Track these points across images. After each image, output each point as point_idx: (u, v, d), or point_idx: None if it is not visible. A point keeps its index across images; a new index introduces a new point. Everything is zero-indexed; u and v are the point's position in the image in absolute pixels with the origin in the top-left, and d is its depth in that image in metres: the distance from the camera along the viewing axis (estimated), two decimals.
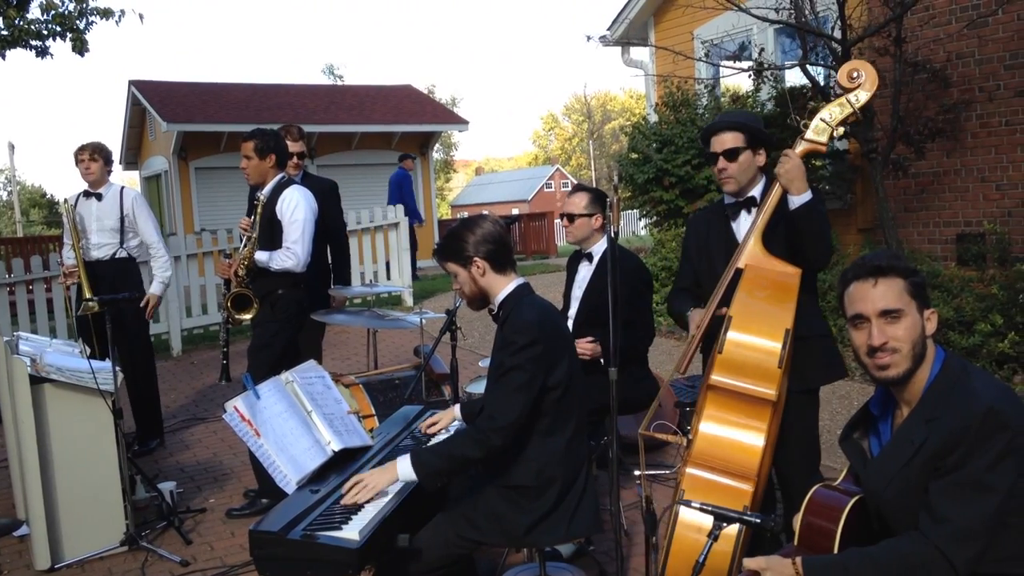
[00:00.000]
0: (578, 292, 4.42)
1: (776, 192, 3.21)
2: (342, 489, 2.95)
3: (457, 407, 3.45)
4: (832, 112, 3.21)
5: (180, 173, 18.98)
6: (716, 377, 3.02)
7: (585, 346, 4.07)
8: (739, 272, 3.18)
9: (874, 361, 2.25)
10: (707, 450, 3.02)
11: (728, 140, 3.40)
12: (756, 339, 2.99)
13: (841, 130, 3.24)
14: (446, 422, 3.46)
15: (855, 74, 3.19)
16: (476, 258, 3.06)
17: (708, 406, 3.06)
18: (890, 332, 2.22)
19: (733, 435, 3.01)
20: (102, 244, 6.03)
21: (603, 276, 3.62)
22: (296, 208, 4.90)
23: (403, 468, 2.94)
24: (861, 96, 3.19)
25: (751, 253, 3.19)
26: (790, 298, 3.06)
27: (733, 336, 3.00)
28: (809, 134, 3.22)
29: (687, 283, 3.65)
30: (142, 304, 5.97)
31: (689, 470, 3.00)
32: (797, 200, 3.16)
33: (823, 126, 3.21)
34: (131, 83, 20.38)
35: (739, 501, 2.88)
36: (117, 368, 4.52)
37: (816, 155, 3.26)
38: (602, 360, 4.10)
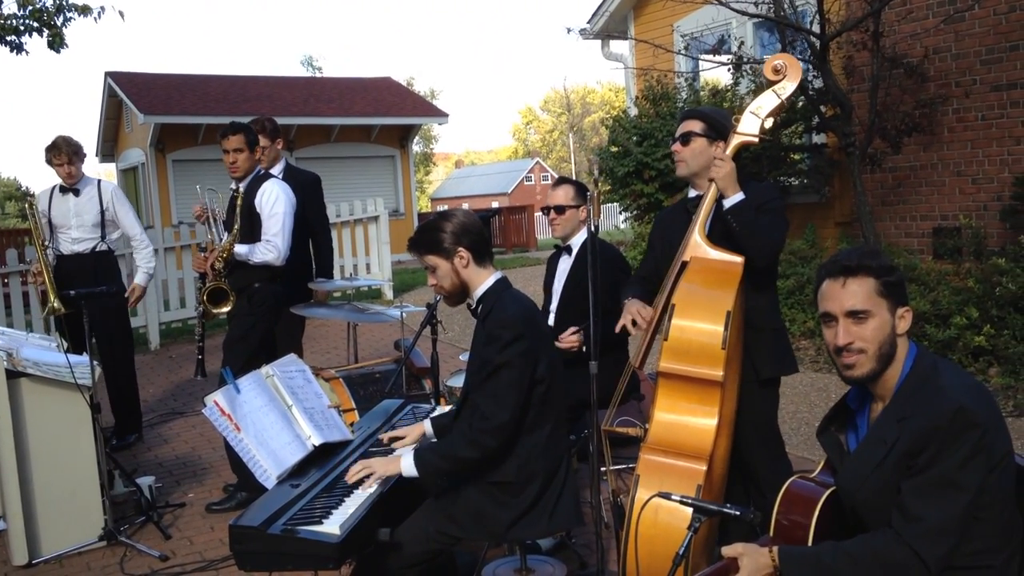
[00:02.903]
0: (558, 285, 4.43)
1: (714, 187, 3.31)
2: (347, 473, 2.99)
3: (428, 422, 3.36)
4: (760, 104, 3.34)
5: (157, 165, 18.84)
6: (664, 364, 3.13)
7: (570, 339, 4.08)
8: (685, 265, 3.28)
9: (840, 360, 2.26)
10: (662, 436, 3.12)
11: (686, 126, 3.51)
12: (698, 323, 3.11)
13: (771, 121, 3.34)
14: (412, 439, 3.29)
15: (779, 66, 3.33)
16: (459, 248, 3.02)
17: (660, 394, 3.17)
18: (856, 332, 2.22)
19: (685, 418, 3.11)
20: (83, 238, 5.96)
21: (582, 268, 3.64)
22: (276, 201, 4.88)
23: (406, 464, 2.95)
24: (787, 87, 3.33)
25: (694, 245, 3.30)
26: (732, 284, 3.16)
27: (677, 323, 3.12)
28: (740, 128, 3.35)
29: (645, 272, 3.74)
30: (127, 295, 5.92)
31: (644, 455, 3.10)
32: (727, 202, 3.27)
33: (753, 119, 3.33)
34: (107, 75, 20.19)
35: (692, 481, 2.98)
36: (95, 362, 4.49)
37: (751, 147, 3.39)
38: (584, 349, 4.11)
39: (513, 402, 2.88)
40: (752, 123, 3.32)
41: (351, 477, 2.97)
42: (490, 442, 2.88)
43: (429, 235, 3.06)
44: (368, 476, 2.96)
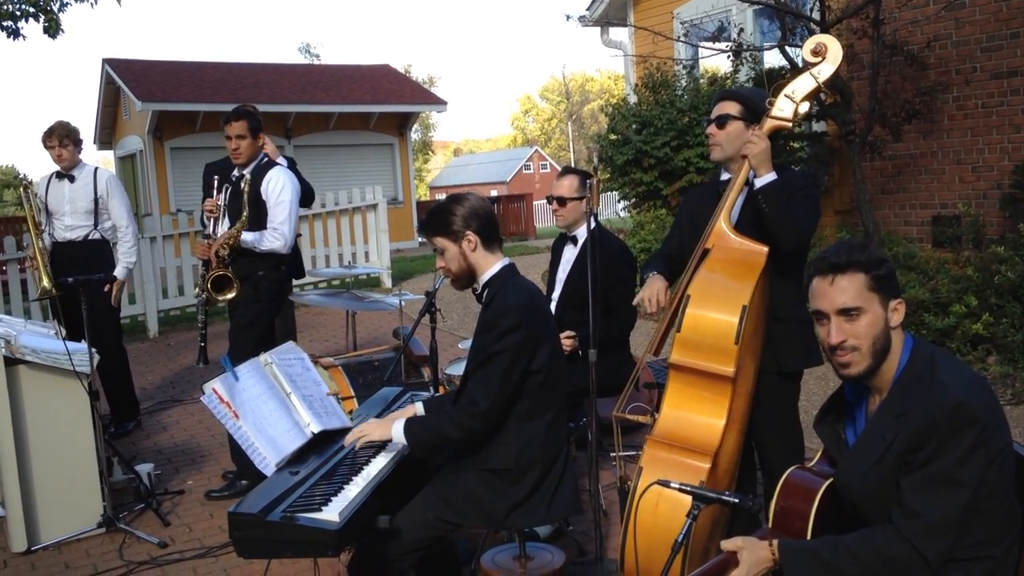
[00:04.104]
0: (562, 274, 4.42)
1: (744, 171, 3.24)
2: (345, 439, 3.10)
3: (420, 404, 3.38)
4: (796, 87, 3.24)
5: (155, 153, 18.78)
6: (675, 357, 3.09)
7: (564, 342, 4.06)
8: (707, 252, 3.21)
9: (835, 359, 2.24)
10: (669, 428, 3.08)
11: (723, 108, 3.40)
12: (713, 315, 3.03)
13: (805, 105, 3.26)
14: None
15: (818, 48, 3.22)
16: (468, 232, 3.02)
17: (670, 386, 3.13)
18: (848, 330, 2.19)
19: (693, 413, 3.07)
20: (76, 226, 5.94)
21: (586, 258, 3.62)
22: (283, 189, 4.90)
23: (396, 430, 3.02)
24: (825, 70, 3.22)
25: (717, 232, 3.22)
26: (752, 275, 3.08)
27: (691, 313, 3.06)
28: (775, 111, 3.25)
29: (667, 249, 3.65)
30: (106, 289, 5.85)
31: (648, 448, 3.07)
32: (759, 181, 3.19)
33: (788, 102, 3.23)
34: (105, 61, 20.11)
35: (695, 477, 2.94)
36: (93, 349, 4.48)
37: (784, 131, 3.29)
38: (580, 352, 4.10)
39: (498, 389, 2.89)
40: (787, 107, 3.22)
41: (347, 441, 3.07)
42: (473, 425, 2.91)
43: (439, 217, 3.07)
44: (360, 440, 3.06)
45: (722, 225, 3.22)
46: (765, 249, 3.14)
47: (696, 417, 3.06)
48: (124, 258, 6.05)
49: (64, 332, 4.69)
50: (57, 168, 5.94)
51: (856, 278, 2.20)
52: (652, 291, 3.39)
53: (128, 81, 18.96)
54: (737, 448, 3.24)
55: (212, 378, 3.15)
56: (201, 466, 5.58)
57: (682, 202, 3.76)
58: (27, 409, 4.35)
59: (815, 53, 3.22)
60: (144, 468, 4.96)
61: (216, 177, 4.98)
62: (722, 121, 3.37)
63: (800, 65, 7.72)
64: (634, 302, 3.45)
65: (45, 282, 5.41)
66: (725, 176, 3.46)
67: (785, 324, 3.33)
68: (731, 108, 3.37)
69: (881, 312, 2.20)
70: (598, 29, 12.15)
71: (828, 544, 2.15)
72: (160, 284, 10.17)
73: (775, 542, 2.18)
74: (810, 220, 3.29)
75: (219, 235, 4.89)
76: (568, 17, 9.58)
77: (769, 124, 3.24)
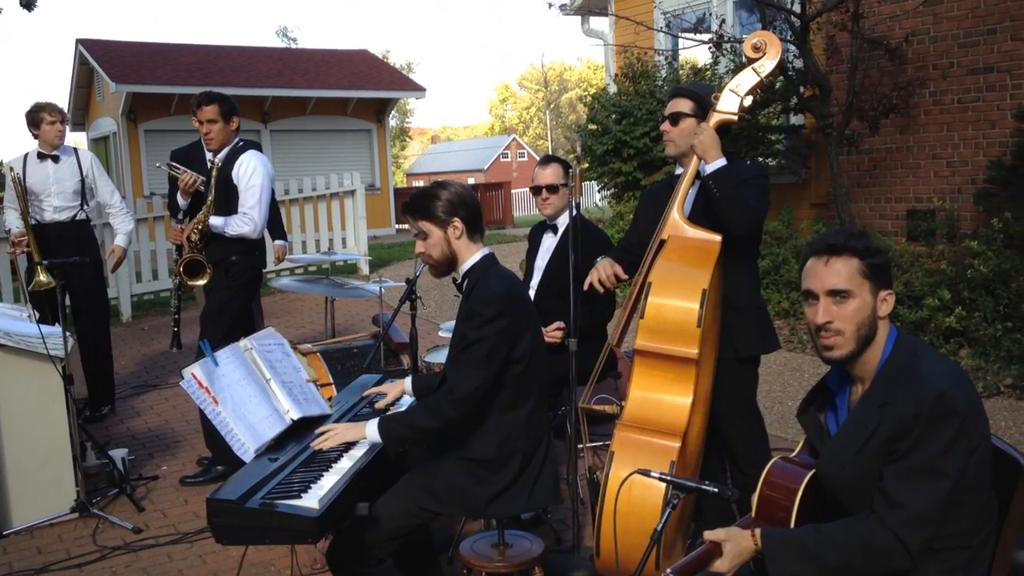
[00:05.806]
0: (541, 262, 4.42)
1: (694, 164, 3.34)
2: (314, 441, 3.01)
3: (408, 381, 3.41)
4: (740, 82, 3.34)
5: (129, 135, 18.57)
6: (640, 342, 3.16)
7: (553, 333, 4.07)
8: (663, 243, 3.30)
9: (819, 340, 2.26)
10: (637, 412, 3.15)
11: (676, 105, 3.50)
12: (674, 301, 3.13)
13: (750, 99, 3.34)
14: (393, 396, 3.42)
15: (759, 44, 3.32)
16: (455, 219, 3.01)
17: (635, 371, 3.20)
18: (835, 312, 2.21)
19: (660, 395, 3.15)
20: (64, 207, 5.88)
21: (567, 247, 3.64)
22: (253, 174, 4.84)
23: (371, 430, 2.98)
24: (767, 65, 3.32)
25: (672, 223, 3.32)
26: (708, 263, 3.18)
27: (653, 301, 3.15)
28: (720, 106, 3.34)
29: (627, 245, 3.75)
30: (108, 257, 5.87)
31: (618, 432, 3.14)
32: (709, 167, 3.28)
33: (732, 97, 3.33)
34: (79, 42, 19.84)
35: (666, 457, 3.01)
36: (68, 333, 4.44)
37: (731, 124, 3.38)
38: (565, 343, 4.12)
39: (476, 377, 2.88)
40: (731, 101, 3.32)
41: (317, 444, 2.99)
42: (450, 413, 2.90)
43: (426, 201, 3.04)
44: (331, 439, 3.01)
45: (675, 216, 3.32)
46: (718, 238, 3.24)
47: (664, 398, 3.14)
48: (123, 227, 6.06)
49: (38, 315, 4.63)
50: (34, 149, 5.86)
51: (850, 262, 2.22)
52: (599, 271, 3.51)
53: (102, 62, 18.72)
54: (703, 431, 3.32)
55: (187, 363, 3.12)
56: (175, 452, 5.54)
57: (640, 199, 3.88)
58: (0, 393, 4.30)
59: (756, 49, 3.32)
60: (118, 453, 4.92)
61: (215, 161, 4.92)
62: (675, 118, 3.48)
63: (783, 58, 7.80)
64: (584, 286, 3.52)
65: (41, 276, 5.34)
66: (679, 171, 3.55)
67: (739, 312, 3.44)
68: (683, 105, 3.48)
69: (870, 300, 2.23)
70: (579, 18, 12.12)
71: (811, 533, 2.17)
72: (134, 268, 10.06)
73: (757, 532, 2.19)
74: (760, 204, 3.38)
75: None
76: (550, 5, 9.56)
77: (716, 118, 3.34)
